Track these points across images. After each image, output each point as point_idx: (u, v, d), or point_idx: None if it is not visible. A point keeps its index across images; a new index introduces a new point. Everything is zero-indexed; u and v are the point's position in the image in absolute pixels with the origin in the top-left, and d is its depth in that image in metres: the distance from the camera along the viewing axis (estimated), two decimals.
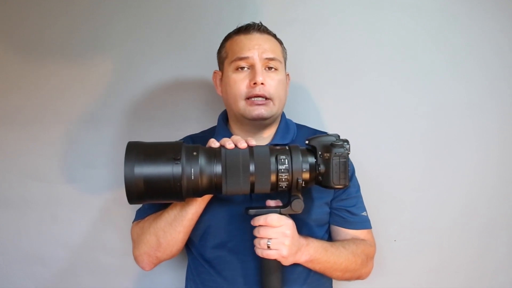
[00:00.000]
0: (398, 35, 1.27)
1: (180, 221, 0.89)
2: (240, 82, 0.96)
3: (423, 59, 1.27)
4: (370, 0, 1.27)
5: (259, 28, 1.00)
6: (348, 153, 0.81)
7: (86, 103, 1.27)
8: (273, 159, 0.79)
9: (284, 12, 1.27)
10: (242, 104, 0.96)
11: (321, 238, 0.97)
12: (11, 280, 1.29)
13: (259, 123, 0.98)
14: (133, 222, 1.02)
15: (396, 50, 1.27)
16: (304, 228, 0.91)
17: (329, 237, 1.03)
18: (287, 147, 0.82)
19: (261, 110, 0.95)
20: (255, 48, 0.96)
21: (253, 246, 0.89)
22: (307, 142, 0.84)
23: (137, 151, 0.76)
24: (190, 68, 1.27)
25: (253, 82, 0.94)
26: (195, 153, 0.77)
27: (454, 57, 1.27)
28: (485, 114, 1.28)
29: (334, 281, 1.07)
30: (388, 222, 1.25)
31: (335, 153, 0.80)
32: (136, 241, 0.97)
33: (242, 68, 0.97)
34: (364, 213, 1.03)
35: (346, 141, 0.82)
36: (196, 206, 0.88)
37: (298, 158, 0.80)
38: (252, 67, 0.96)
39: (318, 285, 0.99)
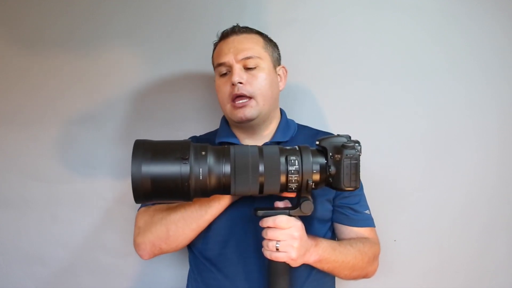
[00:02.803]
0: (398, 35, 1.27)
1: (196, 219, 0.89)
2: (223, 86, 0.99)
3: (423, 59, 1.27)
4: (370, 0, 1.27)
5: (235, 30, 1.01)
6: (360, 155, 0.79)
7: (86, 103, 1.27)
8: (283, 160, 0.78)
9: (284, 12, 1.27)
10: (228, 108, 0.99)
11: (323, 235, 0.98)
12: (11, 280, 1.29)
13: (250, 124, 0.99)
14: (139, 209, 1.00)
15: (396, 50, 1.27)
16: (306, 225, 0.91)
17: (332, 235, 1.03)
18: (297, 148, 0.81)
19: (243, 112, 0.96)
20: (230, 51, 0.97)
21: (255, 244, 0.90)
22: (317, 143, 0.83)
23: (144, 150, 0.75)
24: (190, 68, 1.27)
25: (231, 83, 0.96)
26: (203, 153, 0.76)
27: (454, 57, 1.27)
28: (485, 114, 1.28)
29: (336, 281, 1.07)
30: (388, 222, 1.24)
31: (346, 155, 0.78)
32: (142, 228, 0.94)
33: (224, 72, 0.99)
34: (367, 211, 1.03)
35: (357, 142, 0.80)
36: (216, 209, 0.89)
37: (309, 159, 0.79)
38: (230, 69, 0.98)
39: (319, 284, 0.99)
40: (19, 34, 1.27)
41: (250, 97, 0.96)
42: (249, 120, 0.97)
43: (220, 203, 0.89)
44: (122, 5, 1.27)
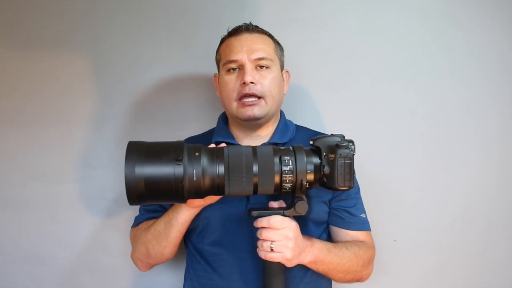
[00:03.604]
0: (399, 36, 1.27)
1: (164, 238, 0.93)
2: (231, 83, 0.98)
3: (423, 59, 1.27)
4: (370, 0, 1.27)
5: (248, 28, 1.01)
6: (354, 154, 0.79)
7: (86, 103, 1.27)
8: (277, 160, 0.78)
9: (284, 12, 1.27)
10: (234, 106, 0.98)
11: (318, 237, 0.98)
12: (11, 280, 1.29)
13: (254, 123, 0.99)
14: (131, 227, 1.07)
15: (396, 50, 1.27)
16: (301, 226, 0.91)
17: (328, 237, 1.04)
18: (291, 148, 0.81)
19: (253, 111, 0.95)
20: (244, 49, 0.97)
21: (249, 244, 0.90)
22: (311, 142, 0.83)
23: (138, 151, 0.74)
24: (190, 68, 1.27)
25: (242, 82, 0.95)
26: (197, 154, 0.76)
27: (454, 57, 1.27)
28: (485, 114, 1.28)
29: (333, 282, 1.07)
30: (388, 222, 1.25)
31: (340, 154, 0.78)
32: (132, 246, 1.03)
33: (234, 69, 0.98)
34: (363, 215, 1.03)
35: (351, 141, 0.80)
36: (177, 228, 0.91)
37: (303, 159, 0.79)
38: (242, 67, 0.97)
39: (314, 286, 0.99)
40: (19, 34, 1.27)
41: (259, 97, 0.96)
42: (257, 119, 0.97)
43: (178, 221, 0.91)
44: (122, 5, 1.27)
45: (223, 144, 0.87)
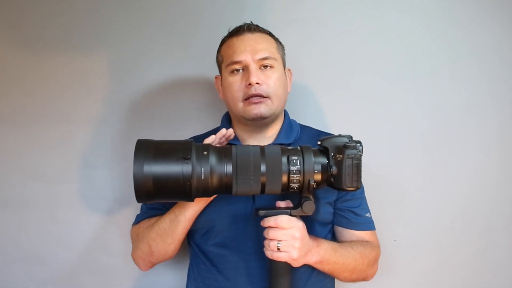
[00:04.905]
0: (399, 35, 1.28)
1: (170, 234, 0.92)
2: (236, 84, 0.97)
3: (424, 59, 1.28)
4: (370, 0, 1.27)
5: (250, 28, 1.00)
6: (361, 155, 0.80)
7: (86, 103, 1.27)
8: (284, 160, 0.78)
9: (284, 12, 1.27)
10: (240, 106, 0.97)
11: (324, 237, 0.97)
12: (11, 280, 1.29)
13: (260, 122, 0.98)
14: (132, 225, 1.06)
15: (397, 50, 1.27)
16: (307, 227, 0.91)
17: (333, 237, 1.03)
18: (299, 148, 0.81)
19: (259, 109, 0.95)
20: (247, 50, 0.96)
21: (256, 245, 0.90)
22: (319, 143, 0.83)
23: (146, 149, 0.75)
24: (190, 68, 1.27)
25: (248, 83, 0.95)
26: (205, 153, 0.77)
27: (454, 57, 1.28)
28: (485, 114, 1.28)
29: (336, 282, 1.07)
30: (388, 222, 1.25)
31: (348, 155, 0.78)
32: (133, 244, 1.02)
33: (238, 70, 0.98)
34: (368, 215, 1.03)
35: (359, 142, 0.80)
36: (184, 223, 0.91)
37: (310, 159, 0.79)
38: (246, 68, 0.96)
39: (320, 286, 0.99)
40: (19, 34, 1.26)
41: (265, 97, 0.96)
42: (263, 117, 0.96)
43: (186, 216, 0.91)
44: (122, 5, 1.27)
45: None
